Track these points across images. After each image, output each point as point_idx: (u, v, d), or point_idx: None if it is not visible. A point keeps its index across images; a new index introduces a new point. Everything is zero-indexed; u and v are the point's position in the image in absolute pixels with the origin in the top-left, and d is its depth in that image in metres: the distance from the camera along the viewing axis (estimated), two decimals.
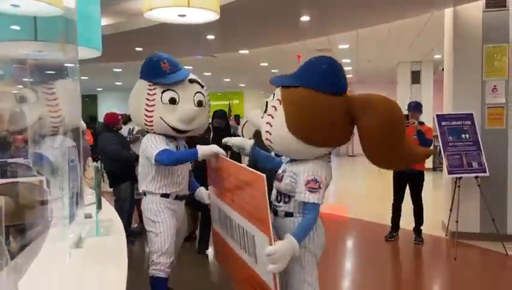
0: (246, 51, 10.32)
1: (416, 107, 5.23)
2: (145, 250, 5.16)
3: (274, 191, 2.27)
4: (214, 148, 2.57)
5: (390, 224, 5.41)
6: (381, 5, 5.54)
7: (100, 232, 1.89)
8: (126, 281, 1.32)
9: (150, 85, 2.76)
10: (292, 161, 2.22)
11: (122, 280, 1.31)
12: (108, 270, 1.45)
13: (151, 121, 2.73)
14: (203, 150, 2.58)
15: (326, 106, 2.02)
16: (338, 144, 2.22)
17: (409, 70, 12.95)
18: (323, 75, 2.06)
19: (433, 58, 12.04)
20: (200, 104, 2.76)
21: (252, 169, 1.95)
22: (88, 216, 1.96)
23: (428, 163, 11.78)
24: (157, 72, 2.72)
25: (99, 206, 1.97)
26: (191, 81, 2.79)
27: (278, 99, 2.09)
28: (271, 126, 2.07)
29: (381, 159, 2.12)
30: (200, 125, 2.92)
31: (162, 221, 2.81)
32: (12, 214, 1.83)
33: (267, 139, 2.15)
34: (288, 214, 2.15)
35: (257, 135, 4.67)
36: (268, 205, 1.83)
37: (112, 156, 5.13)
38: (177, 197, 2.89)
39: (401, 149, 2.04)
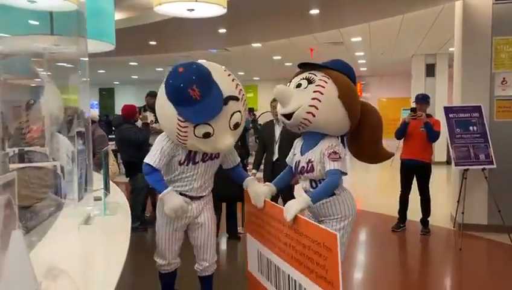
0: (259, 44, 10.40)
1: (423, 99, 5.26)
2: (154, 238, 5.34)
3: (305, 183, 2.49)
4: (177, 206, 2.36)
5: (397, 215, 5.47)
6: None
7: (107, 212, 2.04)
8: (126, 255, 1.46)
9: (179, 114, 2.26)
10: (306, 151, 2.45)
11: (123, 252, 1.45)
12: (111, 244, 1.58)
13: (184, 144, 2.39)
14: (168, 202, 2.37)
15: (356, 90, 2.51)
16: (350, 127, 2.48)
17: (423, 63, 12.83)
18: (350, 68, 2.51)
19: (448, 51, 11.91)
20: (236, 126, 2.37)
21: (322, 226, 1.88)
22: (97, 199, 2.11)
23: (442, 156, 11.73)
24: (187, 102, 2.19)
25: (106, 189, 2.11)
26: (226, 101, 2.27)
27: (325, 76, 2.36)
28: (319, 101, 2.28)
29: (375, 151, 2.59)
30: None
31: (160, 218, 2.67)
32: (27, 195, 1.99)
33: (309, 113, 2.29)
34: (332, 194, 2.43)
35: (267, 125, 4.81)
36: (340, 266, 1.74)
37: (132, 142, 5.32)
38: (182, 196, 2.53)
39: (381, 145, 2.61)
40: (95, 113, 4.76)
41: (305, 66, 2.49)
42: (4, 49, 3.80)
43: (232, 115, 2.30)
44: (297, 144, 2.59)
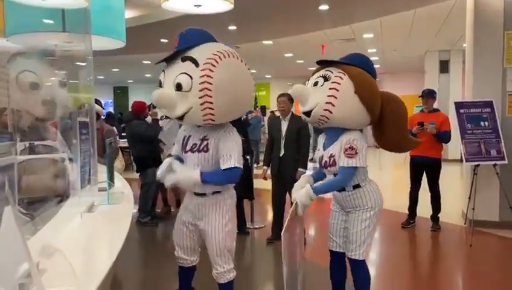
0: (270, 42, 10.42)
1: (429, 94, 5.22)
2: (165, 233, 5.42)
3: (330, 176, 2.56)
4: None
5: (407, 212, 5.44)
6: None
7: (111, 201, 2.09)
8: (124, 240, 1.50)
9: None
10: (328, 146, 2.53)
11: (122, 236, 1.50)
12: (112, 230, 1.63)
13: None
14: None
15: (375, 83, 2.50)
16: (371, 121, 2.53)
17: (437, 60, 12.69)
18: (369, 61, 2.56)
19: (462, 47, 11.74)
20: (178, 87, 2.17)
21: None
22: (102, 189, 2.17)
23: (456, 154, 11.57)
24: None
25: (111, 179, 2.17)
26: (184, 59, 2.20)
27: (341, 72, 2.40)
28: (335, 97, 2.34)
29: (400, 139, 2.62)
30: (187, 114, 2.23)
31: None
32: (33, 186, 2.05)
33: (326, 110, 2.35)
34: (356, 186, 2.52)
35: (274, 121, 4.83)
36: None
37: (142, 138, 5.39)
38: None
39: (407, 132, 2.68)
40: (99, 108, 4.84)
41: (322, 63, 2.56)
42: (17, 46, 3.90)
43: (179, 74, 2.17)
44: (321, 139, 2.69)
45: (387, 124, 2.54)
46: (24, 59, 3.93)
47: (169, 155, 2.59)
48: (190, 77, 2.13)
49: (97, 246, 1.54)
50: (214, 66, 2.13)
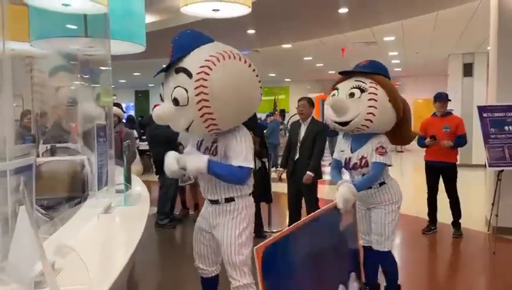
0: (289, 45, 10.41)
1: (442, 97, 5.13)
2: (183, 235, 5.46)
3: (358, 177, 2.74)
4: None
5: (427, 218, 5.34)
6: None
7: (128, 203, 2.12)
8: (139, 241, 1.52)
9: None
10: (357, 149, 2.73)
11: (137, 237, 1.51)
12: (127, 230, 1.65)
13: None
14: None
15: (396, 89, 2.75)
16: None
17: (460, 63, 12.42)
18: (385, 67, 2.76)
19: (486, 50, 11.49)
20: (176, 102, 2.09)
21: None
22: (119, 191, 2.20)
23: (481, 159, 11.27)
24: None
25: (128, 181, 2.20)
26: (177, 70, 2.11)
27: (373, 83, 2.60)
28: (376, 108, 2.55)
29: (409, 133, 2.90)
30: (190, 127, 2.17)
31: None
32: (53, 187, 2.10)
33: (367, 120, 2.56)
34: (382, 183, 2.77)
35: (294, 125, 4.82)
36: None
37: (161, 139, 5.31)
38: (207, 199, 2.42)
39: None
40: (120, 111, 4.91)
41: (346, 73, 2.75)
42: (40, 51, 4.01)
43: (175, 88, 2.08)
44: (342, 141, 2.86)
45: (402, 123, 2.76)
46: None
47: None
48: (185, 90, 2.03)
49: (112, 247, 1.56)
50: (207, 74, 2.01)
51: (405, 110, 2.74)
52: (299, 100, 4.71)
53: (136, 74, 16.96)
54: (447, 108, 5.20)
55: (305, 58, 12.98)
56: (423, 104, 15.95)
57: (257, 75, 2.22)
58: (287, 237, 1.71)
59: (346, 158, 2.80)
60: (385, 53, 11.82)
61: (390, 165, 2.77)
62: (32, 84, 4.25)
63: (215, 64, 2.03)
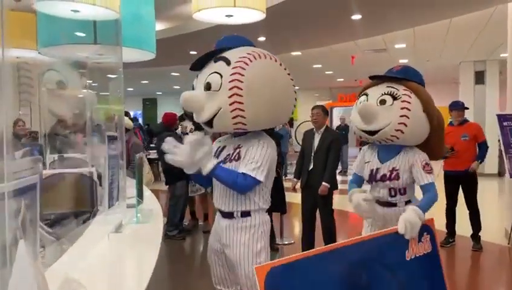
0: (299, 53, 10.30)
1: (458, 106, 4.99)
2: (192, 247, 5.32)
3: (383, 191, 2.49)
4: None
5: (445, 230, 5.16)
6: (437, 0, 5.32)
7: (140, 220, 1.98)
8: (155, 264, 1.39)
9: None
10: (387, 159, 2.48)
11: (152, 264, 1.38)
12: (140, 254, 1.52)
13: None
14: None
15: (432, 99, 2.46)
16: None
17: (472, 70, 12.26)
18: (421, 74, 2.52)
19: (499, 57, 11.32)
20: (207, 86, 1.99)
21: None
22: (131, 206, 2.07)
23: (493, 168, 11.07)
24: None
25: (140, 196, 2.07)
26: (216, 60, 2.03)
27: (407, 90, 2.35)
28: (408, 118, 2.30)
29: (440, 148, 2.62)
30: (215, 118, 2.01)
31: None
32: (60, 201, 1.97)
33: (398, 130, 2.31)
34: (408, 202, 2.48)
35: (307, 134, 4.69)
36: None
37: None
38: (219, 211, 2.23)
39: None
40: (128, 121, 4.83)
41: (378, 78, 2.50)
42: (48, 58, 3.93)
43: (210, 74, 2.00)
44: (368, 151, 2.60)
45: (433, 136, 2.49)
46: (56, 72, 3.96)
47: None
48: (220, 75, 1.95)
49: (125, 274, 1.42)
50: (246, 64, 1.94)
51: (439, 122, 2.50)
52: (312, 108, 4.58)
53: (144, 81, 16.95)
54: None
55: (314, 66, 12.88)
56: None
57: (294, 85, 2.15)
58: (307, 260, 1.55)
59: (372, 169, 2.52)
60: (395, 61, 11.68)
61: None
62: (40, 92, 4.16)
63: (255, 58, 1.97)
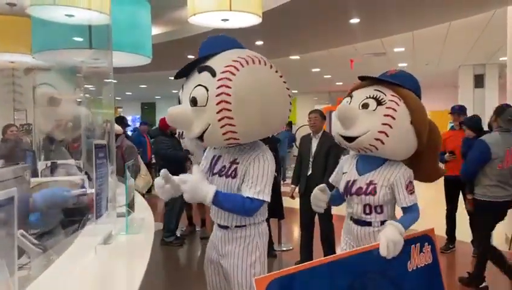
0: (297, 57, 10.27)
1: (460, 110, 4.95)
2: (190, 253, 5.25)
3: (357, 207, 2.20)
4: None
5: (445, 236, 5.10)
6: (436, 3, 5.29)
7: (130, 230, 1.93)
8: (142, 277, 1.33)
9: None
10: (366, 172, 2.19)
11: (139, 277, 1.32)
12: (128, 267, 1.46)
13: None
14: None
15: (426, 111, 2.20)
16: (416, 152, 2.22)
17: (471, 74, 12.25)
18: (417, 81, 2.25)
19: (498, 61, 11.30)
20: (193, 101, 1.86)
21: None
22: (121, 215, 2.01)
23: None
24: None
25: (129, 206, 2.01)
26: (200, 70, 1.90)
27: (395, 96, 2.07)
28: (391, 127, 2.02)
29: (433, 169, 2.36)
30: (205, 134, 1.90)
31: None
32: (49, 209, 1.92)
33: (378, 139, 2.03)
34: (383, 222, 2.14)
35: (305, 139, 4.63)
36: None
37: (164, 159, 5.40)
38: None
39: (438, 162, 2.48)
40: (118, 127, 4.81)
41: (367, 79, 2.20)
42: (44, 63, 3.89)
43: (195, 87, 1.86)
44: (347, 162, 2.32)
45: (425, 154, 2.22)
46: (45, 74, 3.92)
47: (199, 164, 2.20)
48: (206, 88, 1.80)
49: (112, 287, 1.37)
50: (233, 74, 1.79)
51: (431, 138, 2.20)
52: (310, 113, 4.51)
53: (142, 86, 16.94)
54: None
55: (313, 70, 12.86)
56: (433, 117, 15.50)
57: (288, 88, 1.99)
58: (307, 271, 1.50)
59: (349, 181, 2.23)
60: (394, 64, 11.66)
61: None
62: (35, 98, 4.12)
63: (242, 66, 1.82)
